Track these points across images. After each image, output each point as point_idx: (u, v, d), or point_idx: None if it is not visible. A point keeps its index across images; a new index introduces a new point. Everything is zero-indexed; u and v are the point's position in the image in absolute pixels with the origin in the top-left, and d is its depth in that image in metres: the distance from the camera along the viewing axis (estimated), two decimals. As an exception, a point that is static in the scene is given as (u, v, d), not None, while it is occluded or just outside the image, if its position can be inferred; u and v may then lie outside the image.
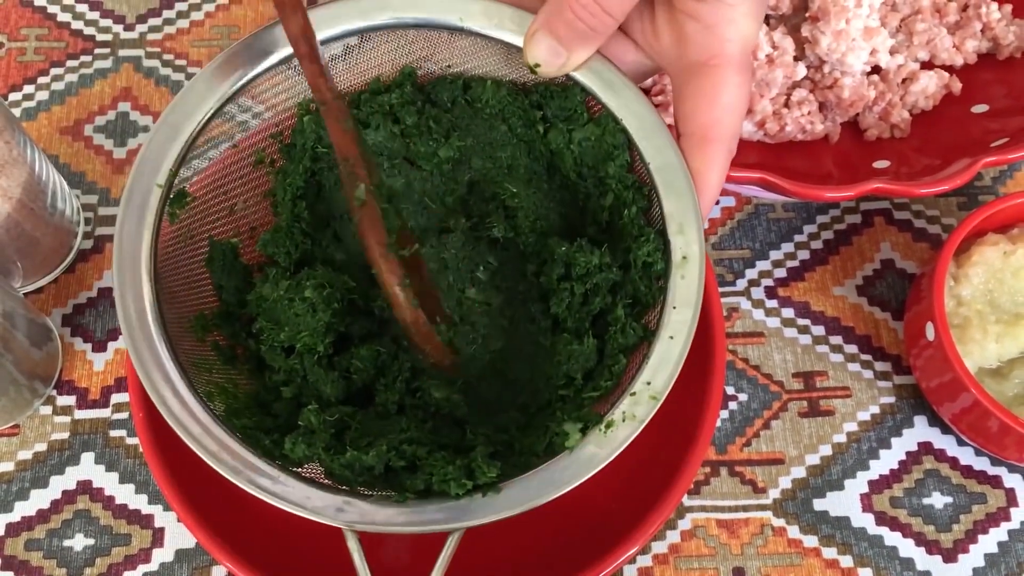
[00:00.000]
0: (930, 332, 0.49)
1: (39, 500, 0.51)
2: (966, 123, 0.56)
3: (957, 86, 0.57)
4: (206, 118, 0.43)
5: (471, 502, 0.38)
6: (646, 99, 0.45)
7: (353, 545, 0.37)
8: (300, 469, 0.39)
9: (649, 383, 0.40)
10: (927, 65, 0.59)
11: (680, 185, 0.43)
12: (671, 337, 0.41)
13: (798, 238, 0.58)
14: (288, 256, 0.45)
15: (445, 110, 0.46)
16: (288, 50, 0.44)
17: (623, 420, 0.39)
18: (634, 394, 0.40)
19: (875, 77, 0.57)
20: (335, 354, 0.43)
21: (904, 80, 0.57)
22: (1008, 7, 0.59)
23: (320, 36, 0.44)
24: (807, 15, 0.56)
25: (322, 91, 0.41)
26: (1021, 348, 0.50)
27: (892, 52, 0.57)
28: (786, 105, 0.57)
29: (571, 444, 0.39)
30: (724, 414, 0.54)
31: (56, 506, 0.51)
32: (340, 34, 0.45)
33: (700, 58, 0.40)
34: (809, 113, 0.56)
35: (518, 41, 0.45)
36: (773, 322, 0.56)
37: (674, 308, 0.41)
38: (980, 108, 0.57)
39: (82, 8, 0.63)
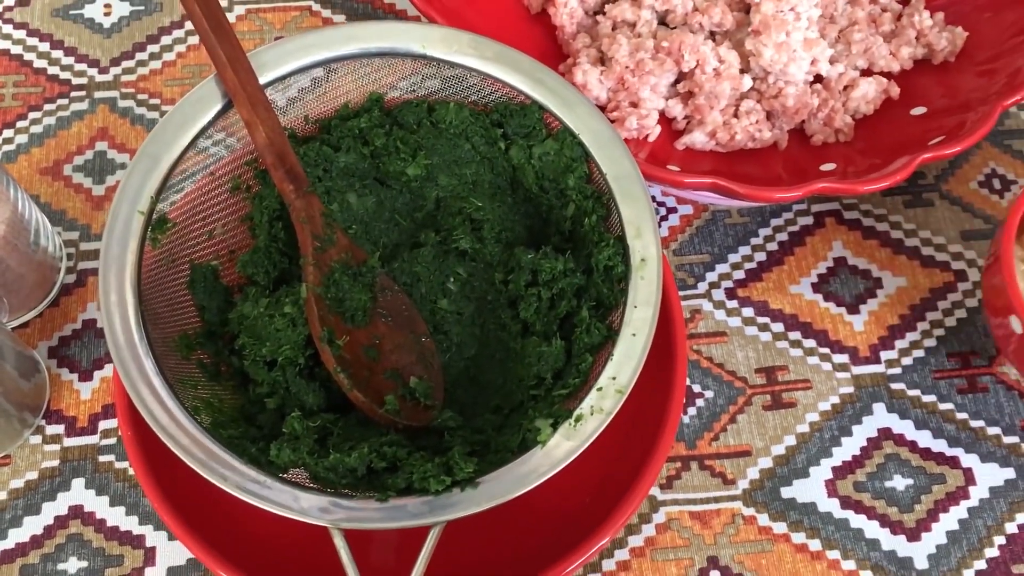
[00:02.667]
0: (1016, 325, 0.50)
1: (32, 526, 0.52)
2: (906, 125, 0.60)
3: (895, 91, 0.61)
4: (184, 147, 0.45)
5: (450, 497, 0.40)
6: (600, 114, 0.48)
7: (340, 543, 0.39)
8: (286, 475, 0.41)
9: (614, 378, 0.42)
10: (867, 72, 0.62)
11: (636, 192, 0.46)
12: (633, 334, 0.43)
13: (754, 241, 0.61)
14: (267, 275, 0.47)
15: (412, 131, 0.49)
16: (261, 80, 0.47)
17: (591, 413, 0.41)
18: (600, 389, 0.42)
19: (818, 86, 0.61)
20: (315, 365, 0.45)
21: (845, 87, 0.60)
22: (940, 15, 0.62)
23: (289, 67, 0.47)
24: (750, 30, 0.59)
25: (287, 194, 0.46)
26: None
27: (832, 61, 0.61)
28: (735, 115, 0.60)
29: (543, 439, 0.41)
30: (692, 411, 0.56)
31: (49, 531, 0.52)
32: (309, 64, 0.47)
33: None
34: (757, 122, 0.59)
35: (477, 64, 0.48)
36: (734, 321, 0.58)
37: (635, 307, 0.44)
38: (919, 110, 0.60)
39: (57, 54, 0.65)
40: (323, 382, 0.44)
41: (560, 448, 0.41)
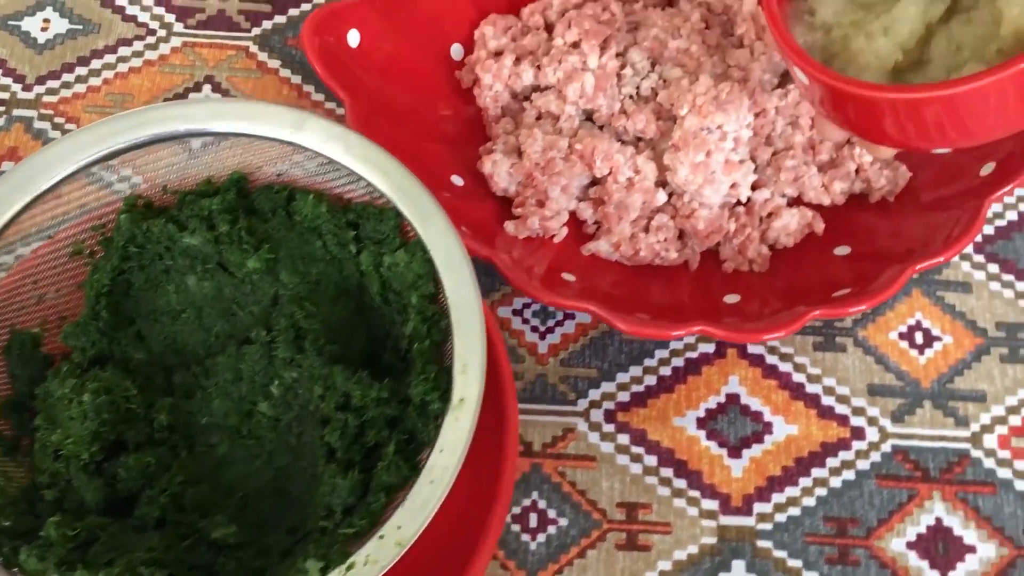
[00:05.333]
0: (801, 76, 0.43)
1: None
2: (824, 265, 0.56)
3: (820, 226, 0.57)
4: (16, 211, 0.44)
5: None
6: (455, 232, 0.45)
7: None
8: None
9: (400, 527, 0.40)
10: (798, 200, 0.58)
11: (471, 324, 0.43)
12: (432, 482, 0.40)
13: (648, 362, 0.58)
14: (83, 352, 0.45)
15: (264, 220, 0.47)
16: (99, 152, 0.45)
17: (364, 564, 0.39)
18: (382, 537, 0.40)
19: (741, 208, 0.57)
20: (107, 459, 0.43)
21: (769, 214, 0.57)
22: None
23: (148, 134, 0.45)
24: (670, 144, 0.56)
25: None
26: (912, 22, 0.43)
27: (760, 185, 0.57)
28: (646, 229, 0.57)
29: (309, 585, 0.39)
30: (542, 537, 0.53)
31: None
32: (167, 135, 0.46)
33: None
34: (665, 240, 0.56)
35: (342, 159, 0.46)
36: (607, 447, 0.55)
37: (441, 451, 0.41)
38: (842, 250, 0.56)
39: (-15, 65, 0.64)
40: (108, 480, 0.43)
41: (326, 597, 0.39)
